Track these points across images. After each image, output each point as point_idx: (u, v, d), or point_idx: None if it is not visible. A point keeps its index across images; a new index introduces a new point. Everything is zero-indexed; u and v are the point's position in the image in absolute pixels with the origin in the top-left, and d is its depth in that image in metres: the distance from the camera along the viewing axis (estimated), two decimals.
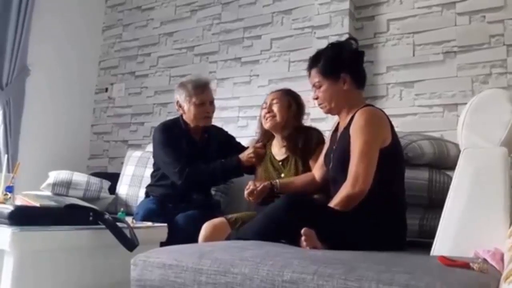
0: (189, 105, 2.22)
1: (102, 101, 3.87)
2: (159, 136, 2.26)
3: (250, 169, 2.17)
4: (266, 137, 2.16)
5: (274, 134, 2.11)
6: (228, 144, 2.39)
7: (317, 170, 1.88)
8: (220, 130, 2.48)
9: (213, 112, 2.31)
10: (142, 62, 3.68)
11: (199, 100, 2.21)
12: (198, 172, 2.14)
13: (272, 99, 2.07)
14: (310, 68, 1.72)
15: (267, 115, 2.04)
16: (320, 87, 1.69)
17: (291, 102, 2.06)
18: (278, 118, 2.02)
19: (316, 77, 1.69)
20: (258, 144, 2.15)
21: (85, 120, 3.85)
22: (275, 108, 2.04)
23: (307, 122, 2.66)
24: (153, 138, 2.35)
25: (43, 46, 3.46)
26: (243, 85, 3.13)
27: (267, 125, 2.06)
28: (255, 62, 3.09)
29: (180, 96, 2.26)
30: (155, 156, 2.34)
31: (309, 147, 2.01)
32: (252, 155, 2.11)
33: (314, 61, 1.71)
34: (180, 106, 2.28)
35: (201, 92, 2.22)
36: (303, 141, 2.01)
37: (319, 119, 2.52)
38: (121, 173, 2.96)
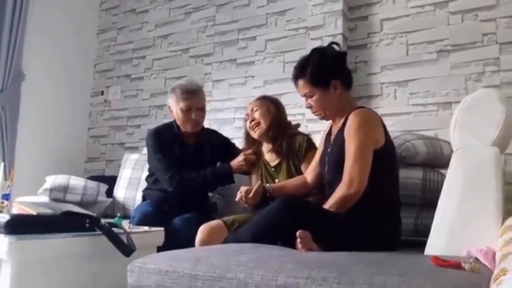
0: (177, 110, 2.23)
1: (98, 104, 3.88)
2: (151, 142, 2.27)
3: (245, 172, 2.19)
4: (254, 146, 2.20)
5: (263, 141, 2.15)
6: (223, 147, 2.39)
7: (309, 173, 1.89)
8: (214, 133, 2.49)
9: (202, 118, 2.30)
10: (137, 65, 3.69)
11: (185, 106, 2.21)
12: (188, 179, 2.14)
13: (252, 109, 2.13)
14: (296, 78, 1.72)
15: (253, 124, 2.10)
16: (311, 96, 1.69)
17: (269, 105, 2.12)
18: (263, 124, 2.08)
19: (305, 88, 1.69)
20: (249, 151, 2.17)
21: (81, 124, 3.86)
22: (257, 115, 2.09)
23: (302, 122, 2.69)
24: (146, 144, 2.36)
25: (38, 51, 3.46)
26: (238, 87, 3.14)
27: (256, 134, 2.11)
28: (250, 63, 3.10)
29: (170, 101, 2.27)
30: (149, 161, 2.35)
31: (295, 150, 2.05)
32: (242, 162, 2.15)
33: (300, 72, 1.70)
34: (171, 110, 2.29)
35: (188, 98, 2.21)
36: (287, 143, 2.05)
37: (314, 119, 2.52)
38: (118, 176, 2.97)
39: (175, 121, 2.30)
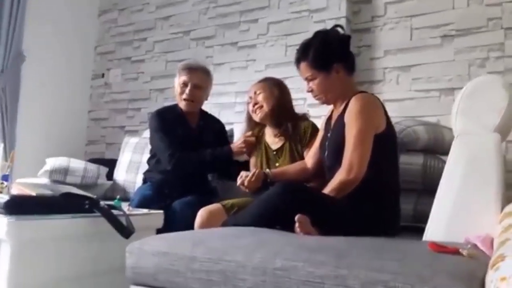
0: (176, 86, 2.30)
1: (99, 87, 3.86)
2: (153, 122, 2.30)
3: (244, 165, 2.17)
4: (256, 128, 2.19)
5: (266, 124, 2.14)
6: (220, 136, 2.40)
7: (310, 158, 1.88)
8: (215, 120, 2.50)
9: (197, 97, 2.31)
10: (138, 47, 3.66)
11: (181, 80, 2.26)
12: (188, 159, 2.16)
13: (255, 92, 2.10)
14: (298, 61, 1.70)
15: (255, 107, 2.08)
16: (313, 80, 1.67)
17: (272, 88, 2.10)
18: (265, 107, 2.06)
19: (307, 72, 1.68)
20: (248, 133, 2.17)
21: (82, 106, 3.84)
22: (260, 98, 2.07)
23: (303, 107, 2.67)
24: (148, 125, 2.38)
25: (38, 32, 3.42)
26: (240, 70, 3.11)
27: (257, 117, 2.09)
28: (252, 46, 3.07)
29: (175, 78, 2.33)
30: (151, 142, 2.37)
31: (300, 134, 2.04)
32: (242, 145, 2.15)
33: (303, 54, 1.68)
34: (174, 87, 2.34)
35: (186, 73, 2.26)
36: (293, 126, 2.05)
37: (316, 104, 2.50)
38: (118, 159, 2.97)
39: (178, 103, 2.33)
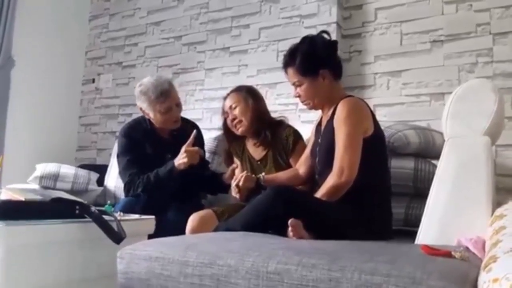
0: (155, 113, 2.12)
1: (89, 92, 3.83)
2: (119, 143, 2.22)
3: (226, 188, 2.10)
4: (235, 140, 2.17)
5: (247, 136, 2.12)
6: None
7: (301, 165, 1.89)
8: (189, 123, 2.36)
9: (180, 111, 2.21)
10: (129, 52, 3.64)
11: (164, 108, 2.10)
12: (136, 184, 2.08)
13: (230, 106, 2.07)
14: (286, 66, 1.71)
15: (235, 122, 2.06)
16: (300, 85, 1.69)
17: (247, 99, 2.07)
18: (244, 120, 2.04)
19: (294, 77, 1.69)
20: (193, 148, 2.05)
21: (72, 112, 3.81)
22: (237, 113, 2.04)
23: (295, 112, 2.68)
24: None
25: (28, 37, 3.40)
26: (231, 75, 3.11)
27: (239, 132, 2.07)
28: (243, 51, 3.07)
29: (142, 104, 2.14)
30: None
31: (281, 141, 2.02)
32: (185, 159, 2.00)
33: (290, 60, 1.69)
34: (144, 112, 2.18)
35: (165, 99, 2.09)
36: (271, 133, 2.03)
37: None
38: (109, 165, 2.95)
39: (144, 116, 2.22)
